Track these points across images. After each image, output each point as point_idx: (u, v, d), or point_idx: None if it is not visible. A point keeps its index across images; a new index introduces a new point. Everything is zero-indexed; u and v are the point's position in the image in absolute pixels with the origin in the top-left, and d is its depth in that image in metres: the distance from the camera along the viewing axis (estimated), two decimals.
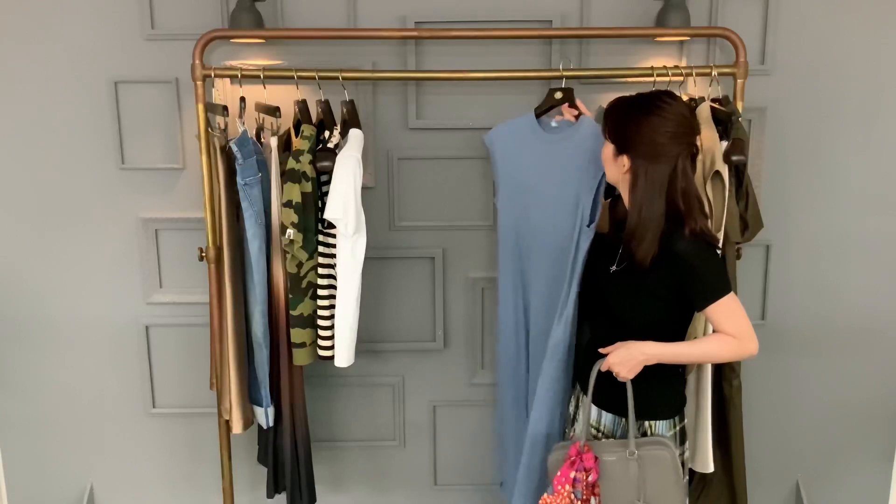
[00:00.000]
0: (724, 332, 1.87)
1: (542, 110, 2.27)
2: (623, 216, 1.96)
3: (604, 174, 2.06)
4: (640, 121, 1.85)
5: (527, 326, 2.32)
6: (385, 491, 2.79)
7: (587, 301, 2.11)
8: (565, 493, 1.90)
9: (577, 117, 2.22)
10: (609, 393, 1.96)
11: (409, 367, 2.68)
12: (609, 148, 1.93)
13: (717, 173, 2.10)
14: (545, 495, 1.94)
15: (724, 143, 2.11)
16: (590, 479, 1.90)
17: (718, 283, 1.87)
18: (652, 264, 1.85)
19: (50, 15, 2.39)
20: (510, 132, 2.28)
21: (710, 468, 2.25)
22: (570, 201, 2.15)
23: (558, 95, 2.24)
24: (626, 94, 1.93)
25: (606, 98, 2.40)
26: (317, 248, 2.25)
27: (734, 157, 2.07)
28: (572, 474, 1.91)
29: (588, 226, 2.12)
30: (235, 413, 2.33)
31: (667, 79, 2.21)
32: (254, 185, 2.18)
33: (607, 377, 1.94)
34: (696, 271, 1.86)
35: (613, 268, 1.97)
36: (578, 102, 2.24)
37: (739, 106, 2.22)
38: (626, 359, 1.88)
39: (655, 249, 1.84)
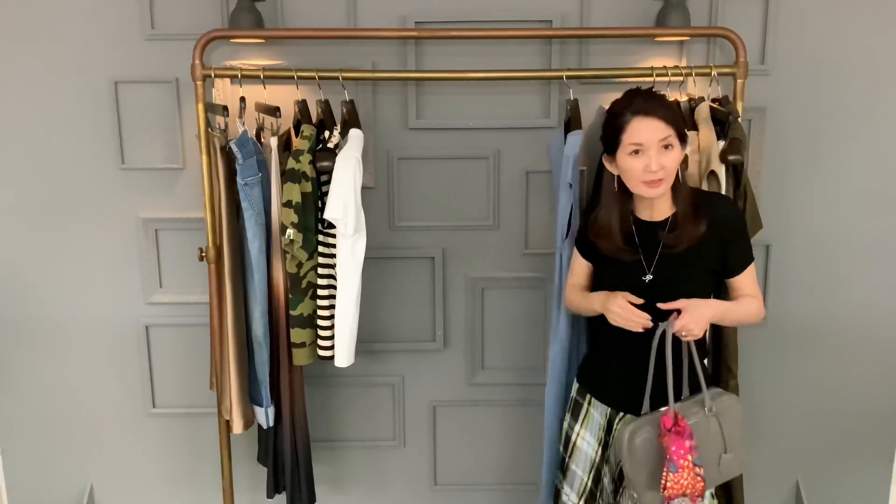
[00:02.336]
0: (751, 294, 1.91)
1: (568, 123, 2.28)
2: (629, 229, 1.93)
3: (575, 195, 2.11)
4: (673, 105, 1.86)
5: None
6: (385, 491, 2.79)
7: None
8: (688, 465, 1.80)
9: None
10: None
11: (409, 367, 2.68)
12: (678, 152, 1.85)
13: (713, 173, 2.09)
14: (668, 473, 1.79)
15: (722, 143, 2.11)
16: (692, 444, 1.81)
17: (750, 247, 1.92)
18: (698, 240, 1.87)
19: (50, 15, 2.39)
20: (555, 142, 2.28)
21: None
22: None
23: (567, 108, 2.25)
24: (619, 96, 1.92)
25: (606, 98, 2.40)
26: (317, 248, 2.25)
27: (731, 157, 2.07)
28: (687, 443, 1.80)
29: (562, 242, 2.16)
30: (235, 413, 2.33)
31: (667, 79, 2.21)
32: (254, 185, 2.18)
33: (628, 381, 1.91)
34: (742, 233, 1.91)
35: (649, 277, 1.91)
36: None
37: (739, 106, 2.22)
38: (699, 317, 1.82)
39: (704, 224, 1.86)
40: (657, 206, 1.91)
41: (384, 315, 2.62)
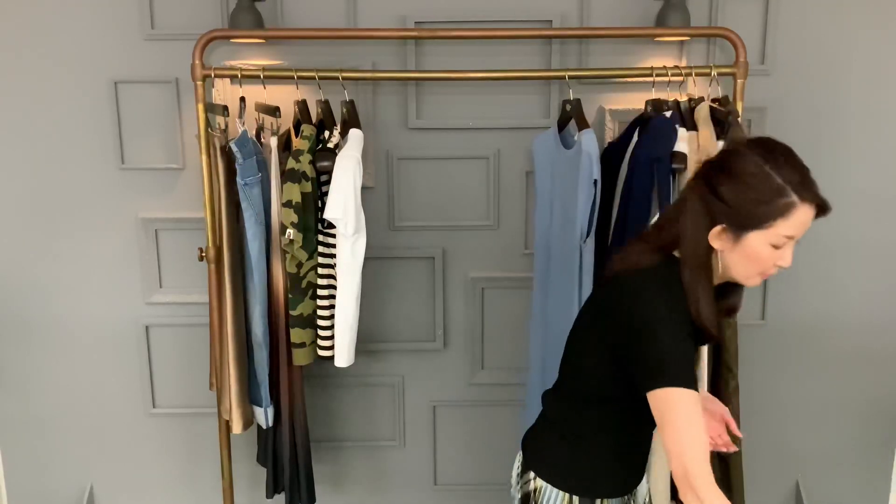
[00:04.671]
0: None
1: (561, 123, 2.29)
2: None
3: (597, 193, 2.07)
4: None
5: (546, 326, 2.34)
6: (385, 491, 2.79)
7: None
8: None
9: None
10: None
11: (409, 367, 2.68)
12: None
13: None
14: None
15: (721, 143, 2.11)
16: None
17: None
18: None
19: (50, 15, 2.39)
20: (544, 142, 2.32)
21: None
22: (574, 216, 2.16)
23: (567, 108, 2.24)
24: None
25: (606, 98, 2.41)
26: (317, 248, 2.25)
27: None
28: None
29: (584, 241, 2.14)
30: (235, 413, 2.33)
31: (666, 79, 2.21)
32: (254, 185, 2.18)
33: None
34: None
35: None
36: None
37: (739, 106, 2.21)
38: None
39: None
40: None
41: (384, 315, 2.62)
